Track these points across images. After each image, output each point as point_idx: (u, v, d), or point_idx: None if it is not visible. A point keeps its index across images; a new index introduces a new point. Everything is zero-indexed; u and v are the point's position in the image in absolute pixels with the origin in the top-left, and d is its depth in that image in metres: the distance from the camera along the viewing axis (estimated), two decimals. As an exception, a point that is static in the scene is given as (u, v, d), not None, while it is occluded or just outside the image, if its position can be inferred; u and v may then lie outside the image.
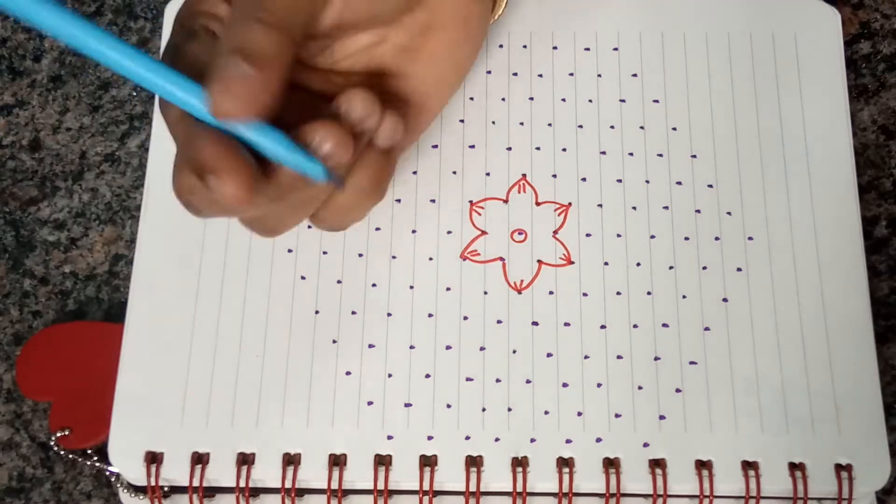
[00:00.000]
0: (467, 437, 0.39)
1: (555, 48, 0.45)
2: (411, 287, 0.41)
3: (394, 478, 0.39)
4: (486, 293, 0.41)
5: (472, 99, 0.44)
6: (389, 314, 0.41)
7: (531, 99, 0.45)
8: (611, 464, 0.39)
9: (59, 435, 0.41)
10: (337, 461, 0.39)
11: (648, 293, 0.41)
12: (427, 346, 0.40)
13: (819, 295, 0.41)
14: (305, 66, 0.36)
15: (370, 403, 0.40)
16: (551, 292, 0.41)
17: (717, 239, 0.42)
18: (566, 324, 0.41)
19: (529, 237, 0.42)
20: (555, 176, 0.43)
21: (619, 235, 0.42)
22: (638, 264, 0.42)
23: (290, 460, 0.39)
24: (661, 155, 0.44)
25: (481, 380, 0.40)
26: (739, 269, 0.42)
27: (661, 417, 0.39)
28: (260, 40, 0.32)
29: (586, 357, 0.40)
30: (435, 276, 0.41)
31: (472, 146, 0.44)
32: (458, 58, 0.39)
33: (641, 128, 0.44)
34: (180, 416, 0.40)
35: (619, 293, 0.41)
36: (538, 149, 0.44)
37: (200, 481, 0.39)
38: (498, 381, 0.40)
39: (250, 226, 0.35)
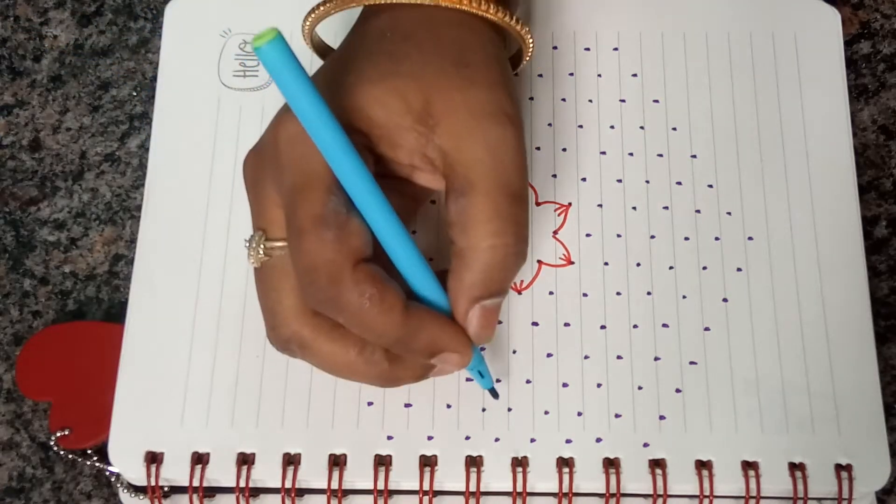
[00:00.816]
0: (467, 437, 0.39)
1: (555, 48, 0.45)
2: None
3: (394, 478, 0.39)
4: (486, 293, 0.41)
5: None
6: (389, 314, 0.41)
7: (531, 99, 0.45)
8: (611, 464, 0.39)
9: (59, 435, 0.41)
10: (337, 461, 0.39)
11: (648, 293, 0.41)
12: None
13: (819, 295, 0.41)
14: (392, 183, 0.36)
15: (370, 404, 0.40)
16: (551, 292, 0.41)
17: (717, 239, 0.42)
18: (566, 324, 0.41)
19: (529, 237, 0.42)
20: (555, 176, 0.43)
21: (619, 235, 0.42)
22: (638, 264, 0.42)
23: (290, 460, 0.39)
24: (661, 155, 0.44)
25: (481, 380, 0.40)
26: (739, 269, 0.42)
27: (661, 417, 0.39)
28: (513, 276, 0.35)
29: (586, 357, 0.40)
30: (435, 276, 0.41)
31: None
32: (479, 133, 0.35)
33: (641, 128, 0.44)
34: (180, 416, 0.40)
35: (619, 293, 0.41)
36: (538, 149, 0.44)
37: (200, 481, 0.39)
38: (498, 381, 0.40)
39: (387, 382, 0.37)
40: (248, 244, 0.35)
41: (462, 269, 0.34)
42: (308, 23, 0.38)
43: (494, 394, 0.39)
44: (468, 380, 0.40)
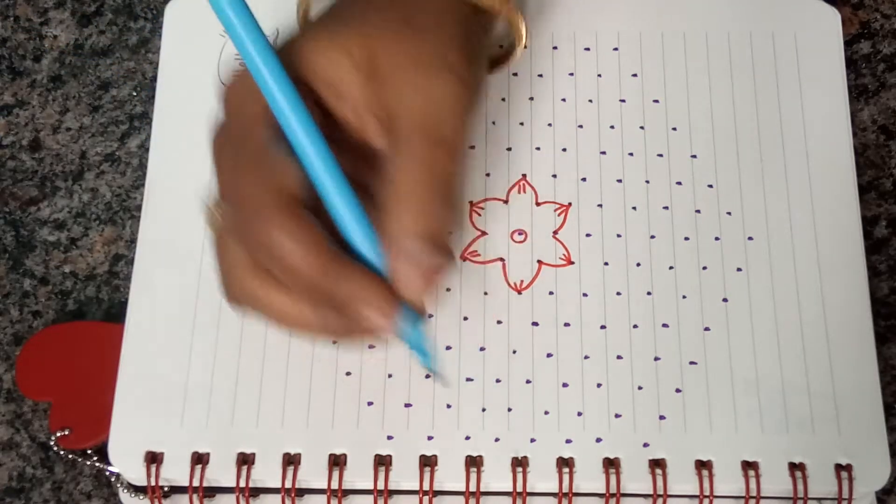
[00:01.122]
0: (467, 437, 0.39)
1: (555, 48, 0.45)
2: (411, 287, 0.41)
3: (394, 478, 0.39)
4: (486, 293, 0.41)
5: (472, 99, 0.44)
6: (389, 314, 0.41)
7: (531, 99, 0.45)
8: (611, 464, 0.39)
9: (59, 435, 0.41)
10: (337, 461, 0.39)
11: (648, 293, 0.41)
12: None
13: (819, 295, 0.41)
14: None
15: (370, 404, 0.40)
16: (551, 292, 0.41)
17: (717, 239, 0.42)
18: (566, 324, 0.41)
19: (529, 237, 0.42)
20: (555, 176, 0.43)
21: (619, 235, 0.42)
22: (638, 264, 0.42)
23: (290, 460, 0.39)
24: (661, 155, 0.44)
25: (481, 380, 0.40)
26: (739, 269, 0.42)
27: (661, 417, 0.39)
28: (449, 230, 0.34)
29: (586, 357, 0.40)
30: (435, 277, 0.41)
31: (472, 146, 0.44)
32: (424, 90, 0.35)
33: (641, 128, 0.44)
34: (180, 416, 0.40)
35: (619, 293, 0.41)
36: (538, 149, 0.44)
37: (200, 481, 0.39)
38: (498, 381, 0.40)
39: (325, 332, 0.36)
40: (206, 211, 0.35)
41: (384, 212, 0.34)
42: (300, 13, 0.38)
43: (436, 376, 0.38)
44: (468, 379, 0.40)
